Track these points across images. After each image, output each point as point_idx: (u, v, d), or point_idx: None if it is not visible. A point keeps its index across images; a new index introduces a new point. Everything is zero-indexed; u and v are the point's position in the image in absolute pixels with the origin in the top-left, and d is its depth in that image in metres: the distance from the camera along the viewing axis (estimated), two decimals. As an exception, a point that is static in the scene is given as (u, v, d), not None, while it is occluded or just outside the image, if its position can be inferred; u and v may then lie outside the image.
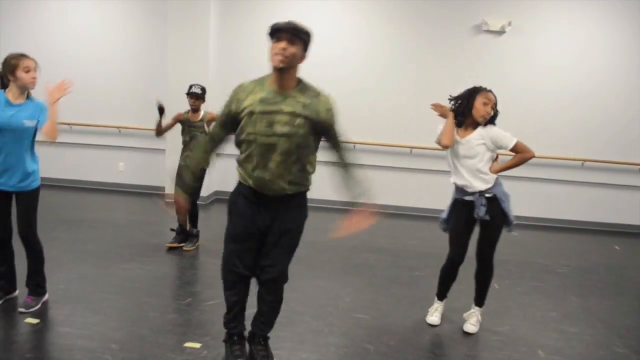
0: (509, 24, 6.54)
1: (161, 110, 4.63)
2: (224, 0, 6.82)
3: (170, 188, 2.70)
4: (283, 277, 2.73)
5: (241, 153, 2.55)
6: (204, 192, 5.58)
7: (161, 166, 7.02)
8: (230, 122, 2.53)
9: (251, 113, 2.42)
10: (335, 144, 2.61)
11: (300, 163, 2.51)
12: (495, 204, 3.26)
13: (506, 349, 3.21)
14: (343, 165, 2.65)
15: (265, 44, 2.52)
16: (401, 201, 7.10)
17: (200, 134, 4.62)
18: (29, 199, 3.20)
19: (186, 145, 4.72)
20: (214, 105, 6.12)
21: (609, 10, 6.55)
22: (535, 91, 6.78)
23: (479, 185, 3.25)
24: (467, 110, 3.25)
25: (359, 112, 6.97)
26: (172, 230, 4.91)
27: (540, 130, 6.82)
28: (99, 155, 7.40)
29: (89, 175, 7.51)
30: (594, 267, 5.18)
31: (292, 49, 2.37)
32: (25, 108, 3.08)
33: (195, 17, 6.53)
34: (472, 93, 3.27)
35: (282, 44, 2.36)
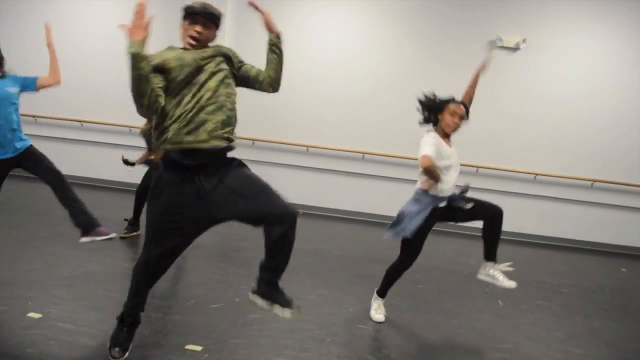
0: (524, 41, 6.54)
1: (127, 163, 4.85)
2: (240, 2, 6.88)
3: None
4: (291, 211, 2.33)
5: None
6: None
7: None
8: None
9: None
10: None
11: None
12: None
13: (509, 368, 3.18)
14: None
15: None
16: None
17: None
18: (34, 152, 3.51)
19: None
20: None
21: (625, 29, 6.53)
22: (549, 109, 6.76)
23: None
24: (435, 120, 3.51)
25: (370, 124, 7.00)
26: (126, 220, 5.14)
27: (552, 149, 6.81)
28: (109, 153, 7.44)
29: (99, 174, 7.58)
30: (601, 288, 5.13)
31: (207, 33, 2.52)
32: (4, 80, 3.59)
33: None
34: (444, 104, 3.49)
35: (198, 28, 2.50)
